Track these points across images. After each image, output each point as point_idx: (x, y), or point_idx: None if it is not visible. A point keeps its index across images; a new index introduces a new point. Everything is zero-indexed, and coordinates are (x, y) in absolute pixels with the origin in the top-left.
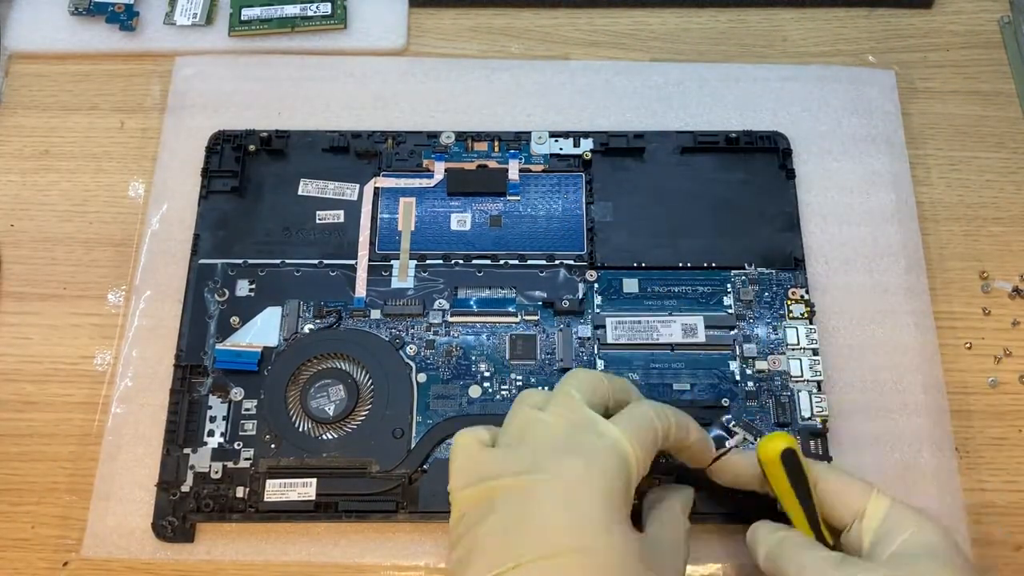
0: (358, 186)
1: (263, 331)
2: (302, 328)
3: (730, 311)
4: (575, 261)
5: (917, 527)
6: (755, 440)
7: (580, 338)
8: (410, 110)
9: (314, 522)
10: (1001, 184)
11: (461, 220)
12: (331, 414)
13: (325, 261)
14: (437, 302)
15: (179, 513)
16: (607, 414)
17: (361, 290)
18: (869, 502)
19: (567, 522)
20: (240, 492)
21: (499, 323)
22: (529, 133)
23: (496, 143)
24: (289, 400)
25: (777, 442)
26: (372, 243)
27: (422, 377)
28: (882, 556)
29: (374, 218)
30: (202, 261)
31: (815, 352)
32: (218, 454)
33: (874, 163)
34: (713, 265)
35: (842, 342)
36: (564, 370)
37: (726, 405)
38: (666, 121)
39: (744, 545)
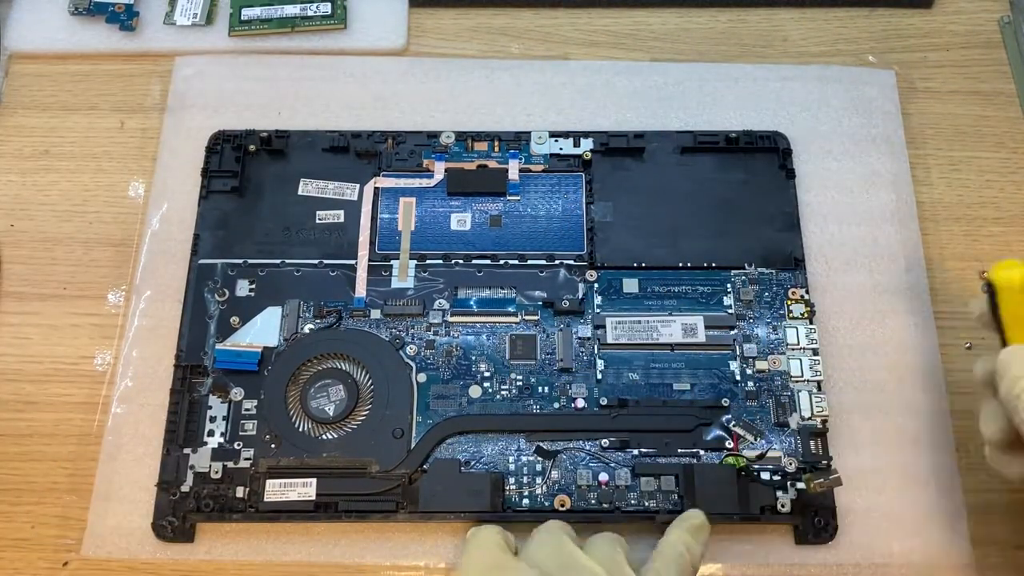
0: (358, 186)
1: (263, 331)
2: (302, 328)
3: (730, 311)
4: (575, 261)
5: None
6: (756, 439)
7: (580, 338)
8: (410, 110)
9: (314, 522)
10: (1001, 184)
11: (461, 220)
12: (331, 414)
13: (325, 261)
14: (437, 302)
15: (179, 513)
16: None
17: (361, 290)
18: None
19: None
20: (240, 492)
21: (499, 323)
22: (529, 133)
23: (496, 143)
24: (289, 400)
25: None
26: (372, 243)
27: (422, 377)
28: None
29: (374, 218)
30: (202, 261)
31: (815, 352)
32: (218, 454)
33: (874, 163)
34: (713, 265)
35: (842, 342)
36: (564, 370)
37: (726, 405)
38: (666, 121)
39: (744, 545)
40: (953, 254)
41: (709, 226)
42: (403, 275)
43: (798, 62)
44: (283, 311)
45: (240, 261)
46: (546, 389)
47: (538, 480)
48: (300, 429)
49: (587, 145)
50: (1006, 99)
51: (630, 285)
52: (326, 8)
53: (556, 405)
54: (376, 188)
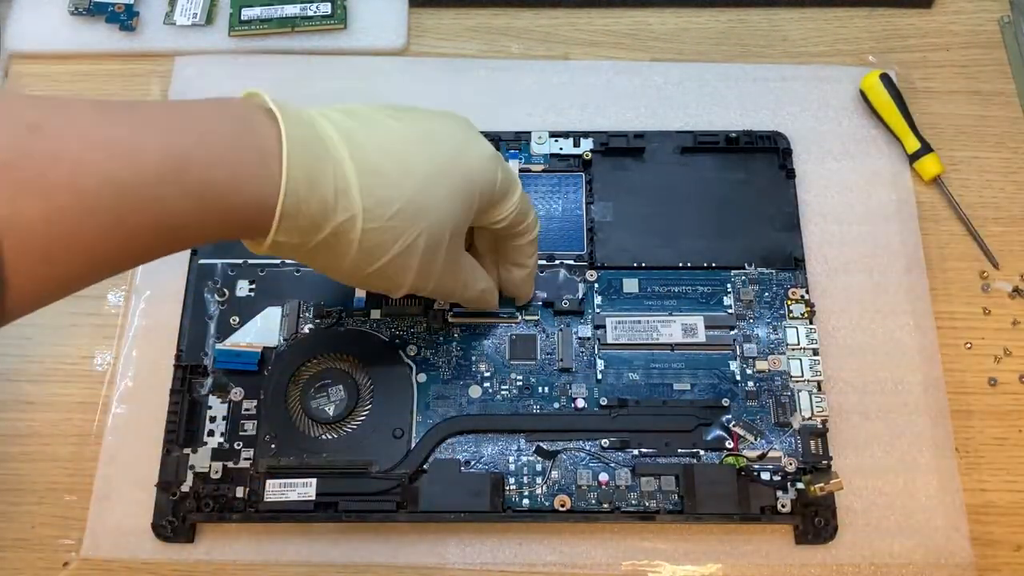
0: None
1: (263, 331)
2: (302, 328)
3: (730, 311)
4: (575, 261)
5: None
6: (756, 439)
7: (580, 338)
8: None
9: (314, 522)
10: (1001, 184)
11: None
12: (331, 414)
13: None
14: (437, 302)
15: (179, 513)
16: None
17: (361, 291)
18: None
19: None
20: (240, 492)
21: (499, 323)
22: (529, 133)
23: (496, 143)
24: (289, 400)
25: None
26: None
27: (422, 377)
28: None
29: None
30: (202, 261)
31: (815, 352)
32: (218, 454)
33: (874, 163)
34: (713, 265)
35: (842, 342)
36: (564, 370)
37: (726, 405)
38: (666, 121)
39: (744, 545)
40: (953, 254)
41: (709, 226)
42: None
43: (798, 62)
44: (283, 311)
45: (240, 261)
46: (546, 389)
47: (538, 480)
48: (300, 429)
49: (587, 145)
50: (1006, 99)
51: (630, 285)
52: (326, 8)
53: (556, 405)
54: None
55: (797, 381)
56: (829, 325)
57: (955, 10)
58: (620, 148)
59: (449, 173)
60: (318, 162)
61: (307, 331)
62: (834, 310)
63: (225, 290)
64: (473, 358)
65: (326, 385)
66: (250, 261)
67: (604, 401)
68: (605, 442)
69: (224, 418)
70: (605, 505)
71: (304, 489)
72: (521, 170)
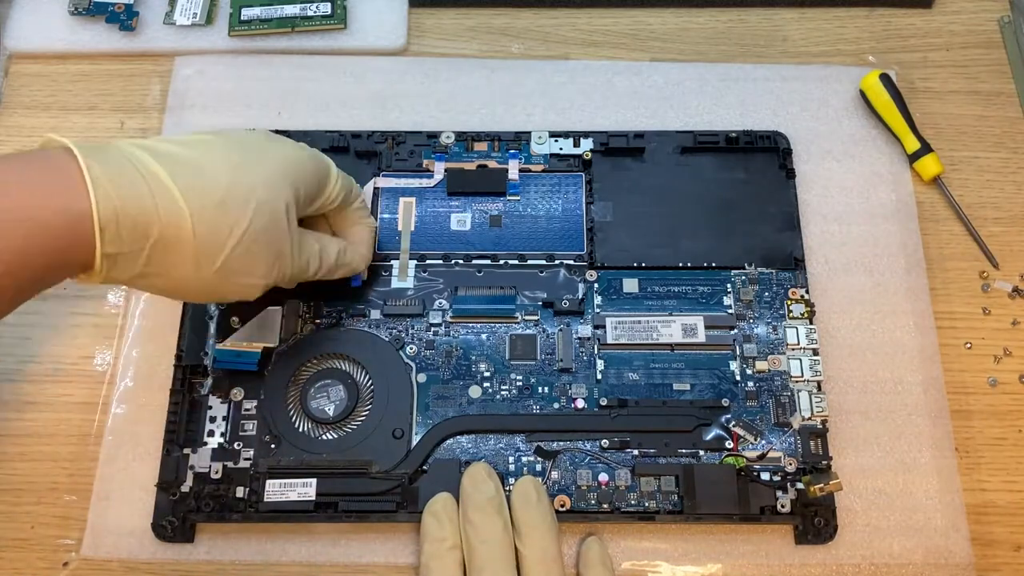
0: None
1: (263, 331)
2: (302, 328)
3: (730, 311)
4: (575, 261)
5: None
6: (756, 439)
7: (580, 338)
8: (410, 110)
9: (314, 522)
10: (1001, 184)
11: (461, 220)
12: (331, 414)
13: None
14: (437, 302)
15: (179, 513)
16: None
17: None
18: None
19: None
20: (240, 492)
21: (499, 323)
22: (529, 133)
23: (496, 143)
24: (289, 400)
25: None
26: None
27: (422, 377)
28: None
29: (373, 216)
30: None
31: (815, 352)
32: (218, 454)
33: (874, 163)
34: (713, 265)
35: (842, 342)
36: (564, 370)
37: (726, 405)
38: (666, 121)
39: (744, 545)
40: (953, 254)
41: (709, 226)
42: (403, 275)
43: (798, 62)
44: (283, 311)
45: None
46: (546, 389)
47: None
48: (300, 429)
49: (587, 145)
50: (1006, 99)
51: (630, 285)
52: (326, 8)
53: (556, 405)
54: (376, 188)
55: (797, 381)
56: (829, 325)
57: (955, 10)
58: (620, 148)
59: (262, 159)
60: (122, 169)
61: (307, 331)
62: (834, 310)
63: None
64: (473, 358)
65: (326, 385)
66: None
67: (604, 401)
68: (605, 442)
69: (224, 418)
70: (605, 505)
71: (304, 489)
72: (521, 170)
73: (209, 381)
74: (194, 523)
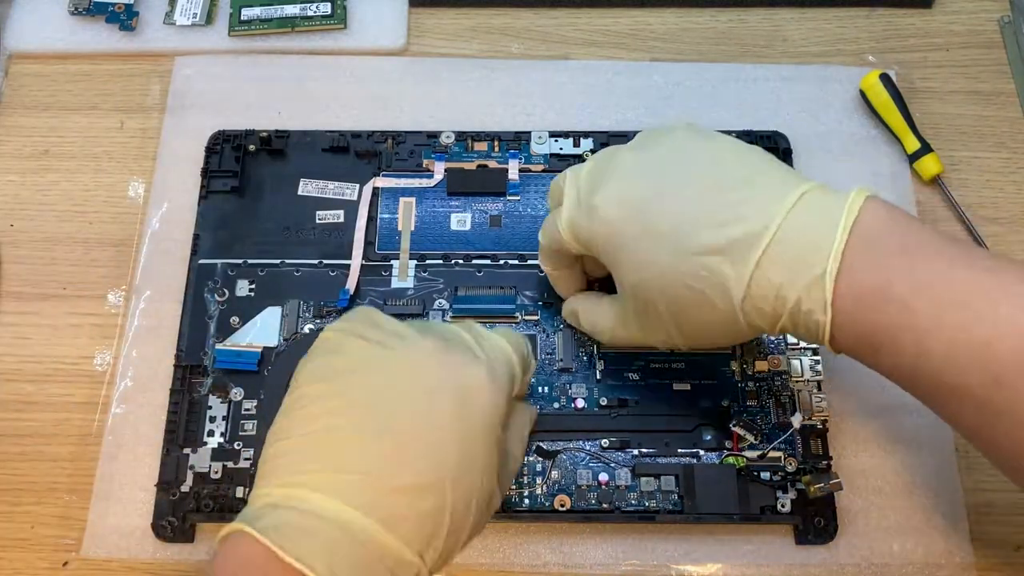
0: (358, 186)
1: (263, 331)
2: (302, 328)
3: None
4: None
5: None
6: (756, 439)
7: (580, 338)
8: (410, 110)
9: None
10: (1001, 184)
11: (461, 220)
12: None
13: (325, 261)
14: (437, 302)
15: (179, 513)
16: None
17: (351, 283)
18: None
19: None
20: (240, 492)
21: (499, 323)
22: (529, 133)
23: (496, 143)
24: None
25: None
26: (372, 243)
27: None
28: None
29: (372, 217)
30: (202, 261)
31: (815, 352)
32: (218, 454)
33: (874, 163)
34: None
35: None
36: (564, 370)
37: (726, 406)
38: (666, 121)
39: (744, 545)
40: None
41: None
42: (403, 275)
43: (798, 62)
44: (283, 311)
45: (240, 261)
46: (546, 389)
47: (538, 480)
48: None
49: (587, 145)
50: (1006, 99)
51: None
52: (326, 8)
53: (556, 405)
54: (376, 188)
55: (797, 381)
56: None
57: (955, 10)
58: None
59: (472, 466)
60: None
61: (307, 331)
62: None
63: (225, 290)
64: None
65: None
66: (250, 261)
67: (604, 401)
68: (605, 442)
69: (224, 418)
70: (605, 505)
71: None
72: (521, 170)
73: (209, 381)
74: (194, 523)
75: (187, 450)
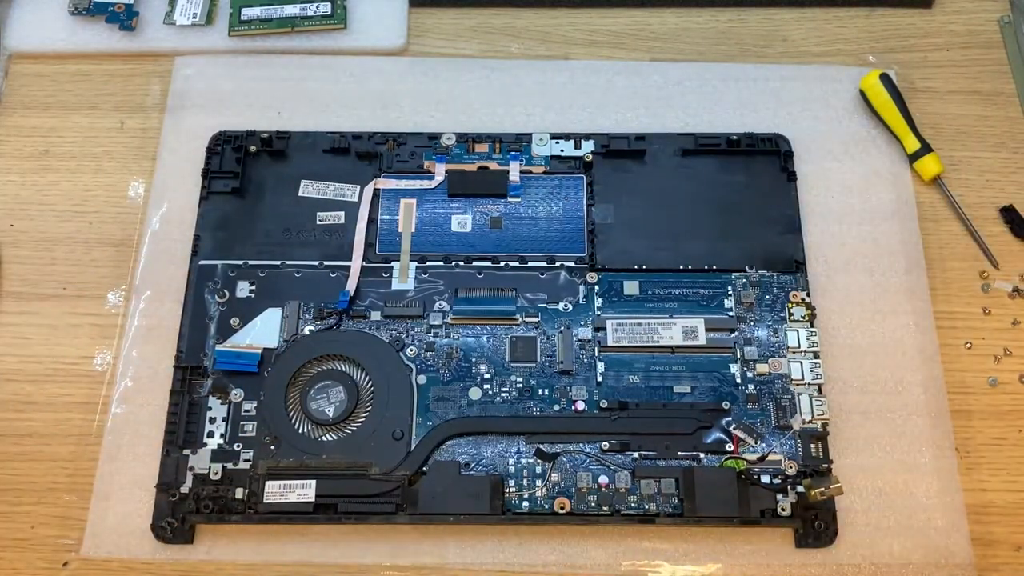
0: (359, 187)
1: (263, 332)
2: (302, 329)
3: (731, 314)
4: (576, 263)
5: None
6: (756, 442)
7: (580, 340)
8: (410, 110)
9: (313, 524)
10: (1001, 184)
11: (462, 222)
12: (331, 416)
13: (325, 262)
14: (437, 304)
15: (178, 514)
16: None
17: (351, 285)
18: None
19: None
20: (240, 493)
21: (499, 325)
22: (530, 135)
23: (497, 145)
24: (289, 402)
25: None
26: (372, 244)
27: (422, 379)
28: None
29: (373, 219)
30: (202, 262)
31: (816, 355)
32: (218, 455)
33: (874, 163)
34: (714, 268)
35: (842, 342)
36: (564, 372)
37: (727, 408)
38: (666, 121)
39: (744, 546)
40: (953, 254)
41: (710, 229)
42: (403, 277)
43: (798, 62)
44: (283, 312)
45: (240, 262)
46: (546, 391)
47: (538, 483)
48: (300, 431)
49: (588, 147)
50: (1006, 99)
51: (631, 287)
52: (326, 8)
53: (556, 407)
54: (376, 189)
55: (798, 384)
56: (829, 325)
57: (955, 10)
58: (621, 150)
59: None
60: None
61: (307, 332)
62: (834, 310)
63: (225, 291)
64: (473, 360)
65: (326, 386)
66: (250, 262)
67: (604, 404)
68: (605, 445)
69: (224, 419)
70: (605, 508)
71: (304, 490)
72: (522, 172)
73: (209, 382)
74: (193, 524)
75: (187, 451)
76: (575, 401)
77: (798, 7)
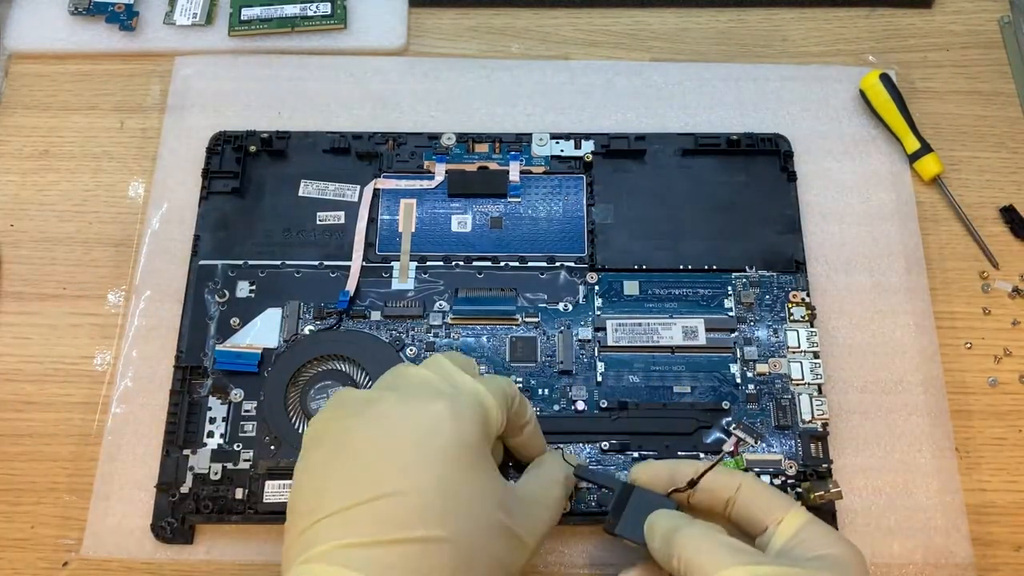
0: (359, 187)
1: (263, 332)
2: (302, 329)
3: (731, 314)
4: (576, 263)
5: (830, 543)
6: (756, 442)
7: (580, 340)
8: (410, 110)
9: None
10: (1001, 184)
11: (462, 222)
12: None
13: (325, 262)
14: (437, 304)
15: (178, 514)
16: None
17: (351, 285)
18: (789, 512)
19: (419, 457)
20: (239, 493)
21: (499, 325)
22: (530, 135)
23: (497, 144)
24: (289, 401)
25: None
26: (372, 244)
27: None
28: (785, 556)
29: (373, 219)
30: (202, 262)
31: (816, 355)
32: (218, 455)
33: (874, 163)
34: (714, 268)
35: (842, 342)
36: (564, 372)
37: (727, 408)
38: (666, 121)
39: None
40: (953, 254)
41: (710, 228)
42: (403, 277)
43: (798, 62)
44: (283, 312)
45: (240, 262)
46: (546, 391)
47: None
48: (300, 430)
49: (588, 147)
50: (1006, 99)
51: (631, 287)
52: (326, 8)
53: (556, 407)
54: (376, 189)
55: (797, 384)
56: (829, 325)
57: (955, 10)
58: (621, 150)
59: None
60: None
61: (307, 332)
62: (834, 310)
63: (225, 291)
64: (473, 359)
65: (326, 386)
66: (250, 262)
67: (604, 403)
68: (605, 444)
69: (224, 419)
70: (605, 508)
71: None
72: (522, 172)
73: (209, 382)
74: (193, 524)
75: (187, 451)
76: (575, 401)
77: (798, 7)
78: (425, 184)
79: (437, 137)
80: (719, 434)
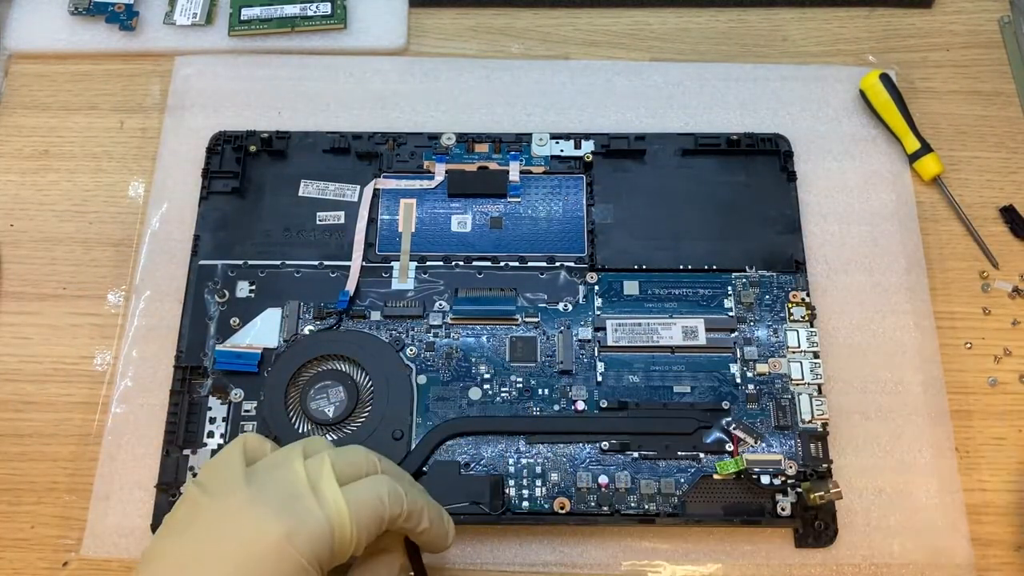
0: (358, 187)
1: (263, 332)
2: (302, 329)
3: (731, 314)
4: (576, 263)
5: None
6: (756, 442)
7: (580, 340)
8: (410, 110)
9: None
10: (1001, 184)
11: (462, 222)
12: (331, 416)
13: (325, 262)
14: (437, 304)
15: None
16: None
17: (351, 285)
18: None
19: None
20: None
21: (499, 325)
22: (530, 135)
23: (497, 144)
24: (289, 402)
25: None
26: (372, 244)
27: (422, 379)
28: None
29: (372, 219)
30: (202, 262)
31: (816, 355)
32: None
33: (874, 163)
34: (714, 268)
35: (842, 342)
36: (564, 372)
37: (726, 408)
38: (666, 121)
39: (744, 546)
40: (953, 254)
41: (710, 228)
42: (403, 277)
43: (798, 62)
44: (283, 312)
45: (240, 262)
46: (546, 391)
47: (538, 482)
48: (300, 430)
49: (588, 147)
50: (1006, 99)
51: (631, 287)
52: (326, 8)
53: (556, 407)
54: (376, 189)
55: (797, 384)
56: (829, 325)
57: (955, 10)
58: (621, 150)
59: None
60: None
61: (307, 332)
62: (834, 310)
63: (225, 291)
64: (473, 360)
65: (326, 386)
66: (250, 262)
67: (604, 403)
68: (605, 444)
69: (224, 419)
70: (605, 508)
71: None
72: (522, 172)
73: (209, 382)
74: None
75: (187, 451)
76: (575, 401)
77: (798, 7)
78: (425, 184)
79: (437, 137)
80: (719, 434)
